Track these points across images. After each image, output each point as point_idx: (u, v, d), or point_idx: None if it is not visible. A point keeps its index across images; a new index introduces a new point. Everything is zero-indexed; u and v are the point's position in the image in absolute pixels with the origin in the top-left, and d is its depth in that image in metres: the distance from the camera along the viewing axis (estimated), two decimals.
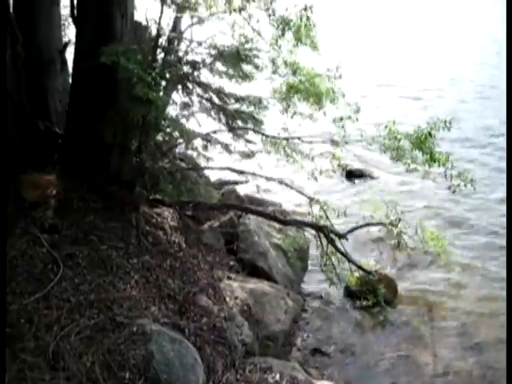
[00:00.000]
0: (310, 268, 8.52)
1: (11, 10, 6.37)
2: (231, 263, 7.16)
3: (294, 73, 9.78)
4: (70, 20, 7.42)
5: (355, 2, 45.12)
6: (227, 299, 6.01)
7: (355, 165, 12.02)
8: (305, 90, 8.89)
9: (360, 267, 7.60)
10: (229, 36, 9.85)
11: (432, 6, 47.52)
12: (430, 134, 7.16)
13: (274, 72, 9.88)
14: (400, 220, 7.74)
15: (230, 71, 6.40)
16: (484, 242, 9.81)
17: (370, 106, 15.39)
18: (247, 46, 8.37)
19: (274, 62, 9.70)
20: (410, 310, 7.94)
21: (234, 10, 9.56)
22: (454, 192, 7.14)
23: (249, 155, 7.15)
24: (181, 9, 6.68)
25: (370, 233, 8.99)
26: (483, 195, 11.48)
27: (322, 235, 7.25)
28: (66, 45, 7.58)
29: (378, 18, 39.79)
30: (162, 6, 6.21)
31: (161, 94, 6.10)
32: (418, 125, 7.32)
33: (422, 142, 7.07)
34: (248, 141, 6.82)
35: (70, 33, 8.76)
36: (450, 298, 8.16)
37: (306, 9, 8.45)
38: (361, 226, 7.82)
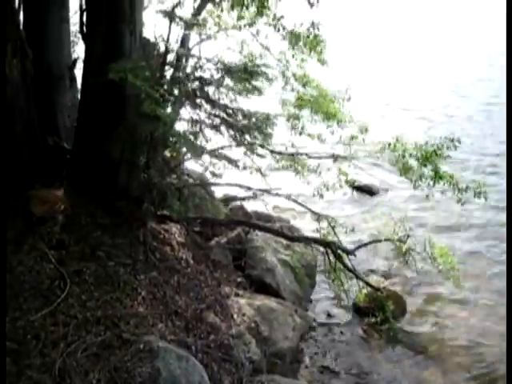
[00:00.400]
0: (317, 284, 8.46)
1: (21, 27, 6.43)
2: (239, 279, 7.12)
3: (304, 86, 9.85)
4: (79, 36, 7.51)
5: (360, 15, 45.51)
6: (235, 316, 5.97)
7: (363, 180, 11.99)
8: (314, 103, 8.95)
9: (368, 284, 7.55)
10: (237, 52, 9.97)
11: (439, 18, 47.75)
12: (435, 152, 7.18)
13: (284, 86, 9.97)
14: (408, 236, 7.71)
15: (239, 87, 6.42)
16: (496, 258, 9.70)
17: (377, 124, 15.44)
18: (255, 61, 8.46)
19: (283, 75, 9.78)
20: (419, 327, 7.86)
21: (244, 26, 9.67)
22: (462, 204, 7.11)
23: (257, 171, 7.15)
24: (189, 26, 6.72)
25: (378, 249, 8.93)
26: (494, 213, 11.39)
27: (329, 251, 7.22)
28: (75, 61, 7.64)
29: (385, 31, 40.01)
30: (171, 23, 6.24)
31: (169, 110, 6.13)
32: (426, 141, 7.33)
33: (428, 158, 7.08)
34: (258, 154, 6.82)
35: (78, 49, 8.86)
36: (460, 316, 8.07)
37: (313, 25, 8.51)
38: (369, 243, 7.80)
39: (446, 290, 8.54)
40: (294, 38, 9.19)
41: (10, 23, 5.85)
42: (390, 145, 7.23)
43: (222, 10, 8.98)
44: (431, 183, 7.18)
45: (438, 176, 7.01)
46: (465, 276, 8.42)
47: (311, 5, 8.45)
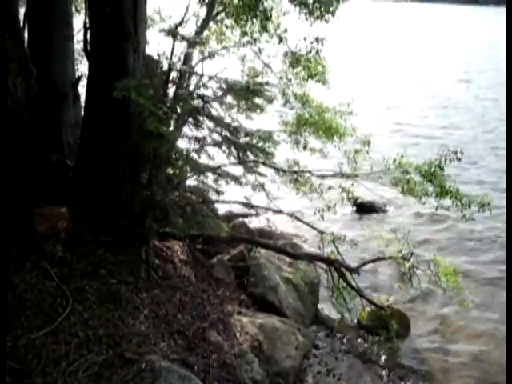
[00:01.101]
0: (320, 302, 8.40)
1: (25, 45, 6.48)
2: (241, 297, 7.08)
3: (303, 105, 9.92)
4: (83, 54, 7.56)
5: (359, 32, 45.98)
6: (237, 335, 5.93)
7: (366, 197, 11.97)
8: (315, 124, 9.00)
9: (371, 302, 7.51)
10: (239, 69, 10.04)
11: (438, 32, 48.23)
12: (439, 166, 7.18)
13: (285, 104, 10.03)
14: (412, 254, 7.67)
15: (241, 105, 6.45)
16: (500, 275, 9.65)
17: (378, 139, 15.50)
18: (257, 79, 8.51)
19: (284, 93, 9.85)
20: (423, 345, 7.80)
21: (247, 43, 9.75)
22: (466, 220, 7.08)
23: (259, 188, 7.14)
24: (191, 44, 6.76)
25: (381, 267, 8.90)
26: (498, 231, 11.35)
27: (333, 269, 7.19)
28: (78, 78, 7.67)
29: (385, 48, 40.41)
30: (174, 41, 6.27)
31: (171, 128, 6.14)
32: (429, 158, 7.34)
33: (433, 174, 7.08)
34: (259, 173, 6.82)
35: (82, 67, 8.92)
36: (464, 335, 8.01)
37: (317, 40, 8.57)
38: (372, 261, 7.76)
39: (451, 309, 8.49)
40: (294, 59, 9.29)
41: (15, 41, 5.89)
42: (394, 161, 7.22)
43: (226, 27, 9.05)
44: (437, 199, 7.16)
45: (443, 191, 6.99)
46: (470, 294, 8.36)
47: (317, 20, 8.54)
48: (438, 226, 11.59)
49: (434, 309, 8.62)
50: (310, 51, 9.03)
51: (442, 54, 42.32)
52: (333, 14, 8.97)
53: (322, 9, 8.76)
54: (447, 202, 7.34)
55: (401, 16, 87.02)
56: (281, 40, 9.44)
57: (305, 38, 9.05)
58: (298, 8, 9.07)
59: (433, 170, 6.99)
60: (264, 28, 8.80)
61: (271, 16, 8.94)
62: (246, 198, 8.01)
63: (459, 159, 7.15)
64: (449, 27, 68.86)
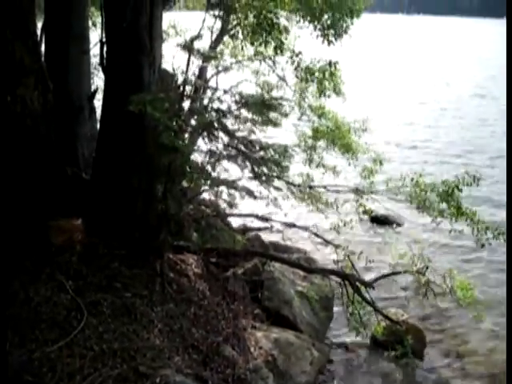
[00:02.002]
0: (335, 317, 8.33)
1: (43, 59, 6.54)
2: (256, 311, 7.04)
3: (320, 117, 9.96)
4: (98, 67, 7.63)
5: (372, 46, 46.02)
6: (252, 349, 5.89)
7: (380, 211, 11.89)
8: (331, 134, 9.02)
9: (387, 317, 7.43)
10: (253, 83, 10.09)
11: (452, 45, 48.09)
12: (457, 187, 7.14)
13: (301, 117, 10.07)
14: (427, 268, 7.60)
15: (256, 119, 6.45)
16: None
17: (392, 156, 15.47)
18: (272, 93, 8.53)
19: (299, 105, 9.90)
20: (439, 361, 7.70)
21: (262, 59, 9.81)
22: (482, 246, 7.03)
23: (274, 202, 7.11)
24: (207, 58, 6.80)
25: (396, 281, 8.81)
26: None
27: (347, 284, 7.13)
28: (94, 92, 7.74)
29: (399, 61, 40.39)
30: (190, 56, 6.31)
31: (186, 141, 6.16)
32: (446, 178, 7.31)
33: (450, 195, 7.05)
34: (274, 187, 6.80)
35: (97, 80, 9.01)
36: (481, 350, 7.89)
37: (330, 65, 8.63)
38: (388, 275, 7.70)
39: (467, 324, 8.37)
40: (309, 73, 9.34)
41: (32, 55, 5.95)
42: (412, 180, 7.20)
43: (242, 41, 9.10)
44: (452, 221, 7.12)
45: (459, 213, 6.96)
46: (486, 309, 8.26)
47: (329, 42, 8.61)
48: (454, 240, 11.47)
49: (449, 324, 8.51)
50: (325, 70, 9.10)
51: (456, 67, 42.24)
52: (346, 31, 9.03)
53: (336, 27, 8.83)
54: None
55: (414, 29, 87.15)
56: (295, 56, 9.50)
57: (318, 60, 9.15)
58: (311, 26, 9.14)
59: (450, 191, 6.96)
60: (279, 49, 8.86)
61: (286, 38, 9.02)
62: (260, 212, 7.98)
63: (477, 183, 7.12)
64: (463, 40, 68.84)
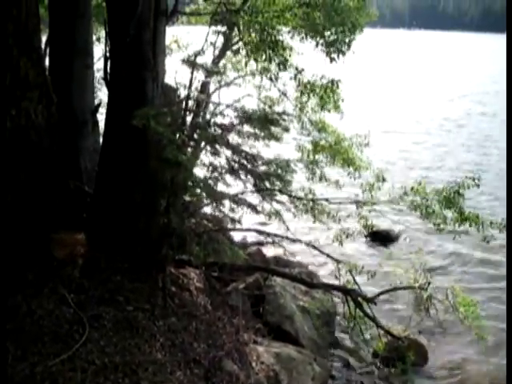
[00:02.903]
0: (336, 332, 8.30)
1: (47, 73, 6.60)
2: (257, 326, 7.01)
3: (320, 131, 10.02)
4: (101, 81, 7.68)
5: (375, 61, 46.16)
6: (253, 364, 5.86)
7: (382, 225, 11.89)
8: (331, 149, 9.07)
9: (388, 332, 7.40)
10: (255, 97, 10.16)
11: (455, 60, 48.12)
12: (458, 192, 7.16)
13: (301, 130, 10.13)
14: (429, 284, 7.59)
15: (258, 133, 6.48)
16: None
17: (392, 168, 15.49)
18: (274, 108, 8.59)
19: (300, 119, 9.96)
20: (440, 378, 7.65)
21: (263, 74, 9.89)
22: (488, 242, 7.02)
23: (276, 216, 7.13)
24: (210, 73, 6.86)
25: (399, 296, 8.79)
26: None
27: (349, 299, 7.12)
28: (97, 106, 7.79)
29: (401, 76, 40.50)
30: (193, 71, 6.36)
31: (189, 156, 6.19)
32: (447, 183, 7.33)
33: (451, 200, 7.06)
34: (277, 201, 6.82)
35: (100, 94, 9.07)
36: (484, 367, 7.85)
37: (332, 83, 8.70)
38: (389, 290, 7.69)
39: (469, 340, 8.33)
40: (310, 88, 9.42)
41: (37, 69, 6.00)
42: (412, 189, 7.22)
43: (245, 56, 9.18)
44: (456, 226, 7.13)
45: (462, 218, 6.96)
46: (488, 326, 8.22)
47: (331, 59, 8.70)
48: (454, 255, 11.47)
49: (451, 340, 8.48)
50: (326, 87, 9.18)
51: (458, 82, 42.38)
52: (349, 46, 9.11)
53: (338, 44, 8.91)
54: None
55: (415, 44, 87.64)
56: (298, 73, 9.58)
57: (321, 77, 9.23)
58: (314, 42, 9.23)
59: (452, 195, 6.97)
60: (283, 65, 8.95)
61: (290, 55, 9.11)
62: (261, 226, 8.00)
63: (478, 185, 7.14)
64: (464, 55, 69.20)
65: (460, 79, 44.61)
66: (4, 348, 4.21)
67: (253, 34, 8.86)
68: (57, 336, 4.96)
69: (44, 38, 7.38)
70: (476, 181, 7.20)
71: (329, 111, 10.05)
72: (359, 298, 7.10)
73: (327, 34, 9.00)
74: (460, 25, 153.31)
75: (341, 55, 9.19)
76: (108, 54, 6.69)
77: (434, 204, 7.15)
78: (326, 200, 7.81)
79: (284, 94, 10.44)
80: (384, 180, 8.63)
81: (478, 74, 47.00)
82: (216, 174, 6.30)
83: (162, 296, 5.97)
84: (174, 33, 10.82)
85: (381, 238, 12.27)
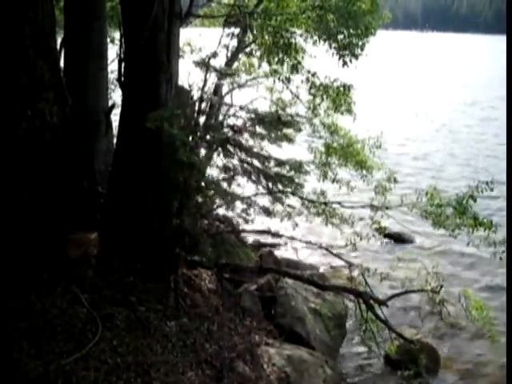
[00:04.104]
0: (348, 334, 8.28)
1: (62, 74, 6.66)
2: (269, 328, 7.01)
3: (332, 133, 10.03)
4: (115, 83, 7.72)
5: (389, 64, 45.95)
6: (265, 366, 5.86)
7: (394, 228, 11.84)
8: (343, 151, 9.07)
9: (400, 335, 7.36)
10: (268, 99, 10.18)
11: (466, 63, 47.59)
12: (472, 197, 7.12)
13: (313, 133, 10.14)
14: (442, 287, 7.55)
15: (271, 135, 6.49)
16: None
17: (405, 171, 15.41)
18: (287, 110, 8.60)
19: (311, 122, 9.98)
20: (453, 381, 7.60)
21: (274, 74, 9.91)
22: (500, 259, 6.99)
23: (288, 218, 7.14)
24: (222, 75, 6.88)
25: (410, 299, 8.75)
26: None
27: (361, 301, 7.10)
28: (111, 107, 7.85)
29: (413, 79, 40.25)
30: (206, 73, 6.39)
31: (202, 157, 6.22)
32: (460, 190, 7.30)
33: (465, 206, 7.02)
34: (288, 205, 6.82)
35: (115, 96, 9.13)
36: (496, 371, 7.78)
37: (344, 87, 8.70)
38: (401, 293, 7.64)
39: (482, 344, 8.28)
40: (323, 91, 9.43)
41: (52, 71, 6.06)
42: (426, 194, 7.19)
43: (258, 59, 9.20)
44: (469, 233, 7.09)
45: (477, 224, 6.93)
46: (501, 330, 8.17)
47: (345, 63, 8.71)
48: (467, 257, 11.40)
49: (464, 343, 8.42)
50: (339, 90, 9.19)
51: (471, 86, 42.07)
52: (362, 49, 9.10)
53: (352, 47, 8.91)
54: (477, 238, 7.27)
55: (427, 46, 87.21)
56: (311, 76, 9.60)
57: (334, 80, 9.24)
58: (327, 44, 9.24)
59: (465, 201, 6.94)
60: (296, 68, 8.97)
61: (303, 58, 9.13)
62: (273, 227, 8.01)
63: (492, 189, 7.10)
64: (476, 57, 68.76)
65: (473, 83, 44.25)
66: (11, 347, 4.25)
67: (266, 37, 8.87)
68: (70, 335, 5.01)
69: (59, 40, 7.44)
70: (490, 184, 7.16)
71: (342, 113, 10.06)
72: (371, 301, 7.08)
73: (340, 37, 9.00)
74: (473, 26, 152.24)
75: (353, 59, 9.17)
76: (122, 56, 6.73)
77: (447, 210, 7.11)
78: (339, 203, 7.80)
79: (296, 96, 10.45)
80: (396, 181, 8.61)
81: (490, 78, 46.59)
82: (229, 176, 6.33)
83: (174, 297, 6.00)
84: (187, 35, 10.86)
85: (393, 241, 12.23)
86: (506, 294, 7.30)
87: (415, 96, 35.63)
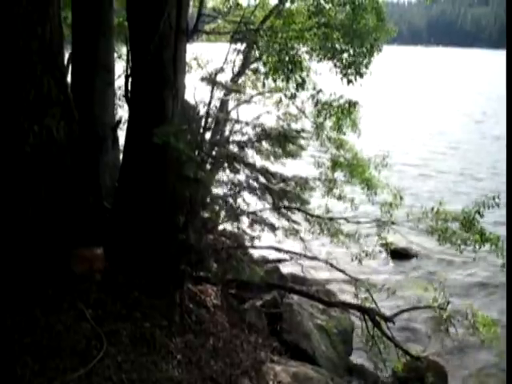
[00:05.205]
0: (354, 351, 8.21)
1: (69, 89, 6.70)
2: (274, 344, 6.96)
3: (338, 148, 10.05)
4: (122, 98, 7.76)
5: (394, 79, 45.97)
6: (270, 383, 5.81)
7: (400, 244, 11.79)
8: (349, 166, 9.07)
9: (407, 352, 7.30)
10: (274, 114, 10.22)
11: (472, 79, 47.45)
12: (478, 212, 7.09)
13: (319, 148, 10.16)
14: (449, 303, 7.49)
15: (276, 151, 6.50)
16: None
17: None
18: (292, 125, 8.62)
19: (318, 136, 10.00)
20: None
21: (280, 90, 9.95)
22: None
23: (294, 234, 7.12)
24: (229, 91, 6.91)
25: (417, 315, 8.69)
26: None
27: (367, 318, 7.05)
28: (118, 122, 7.88)
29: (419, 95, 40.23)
30: (213, 89, 6.41)
31: (208, 173, 6.23)
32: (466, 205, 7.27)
33: (471, 222, 6.99)
34: (294, 221, 6.81)
35: (121, 111, 9.18)
36: None
37: (349, 104, 8.73)
38: (408, 309, 7.60)
39: (490, 361, 8.20)
40: (328, 109, 9.47)
41: (59, 87, 6.10)
42: (432, 209, 7.16)
43: (264, 76, 9.25)
44: (476, 248, 7.05)
45: (483, 239, 6.89)
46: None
47: (349, 81, 8.75)
48: (473, 273, 11.32)
49: (471, 360, 8.34)
50: (344, 109, 9.23)
51: (477, 103, 41.97)
52: (367, 68, 9.14)
53: (357, 65, 8.96)
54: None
55: (432, 61, 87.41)
56: (316, 93, 9.64)
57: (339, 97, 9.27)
58: (331, 63, 9.29)
59: (472, 217, 6.91)
60: (301, 86, 9.01)
61: (308, 76, 9.16)
62: (279, 243, 7.98)
63: (498, 205, 7.07)
64: (482, 73, 68.84)
65: (479, 98, 44.24)
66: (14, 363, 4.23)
67: (272, 54, 8.93)
68: (74, 351, 4.97)
69: (66, 55, 7.50)
70: (497, 200, 7.13)
71: (344, 134, 10.11)
72: (377, 317, 7.03)
73: (345, 55, 9.05)
74: (478, 41, 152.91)
75: (359, 77, 9.21)
76: (129, 72, 6.77)
77: (453, 225, 7.09)
78: (345, 219, 7.78)
79: (302, 111, 10.48)
80: (401, 198, 8.61)
81: (496, 93, 46.60)
82: (234, 191, 6.33)
83: (179, 312, 5.97)
84: (193, 50, 10.93)
85: (399, 256, 12.16)
86: (506, 293, 7.22)
87: (423, 112, 35.63)
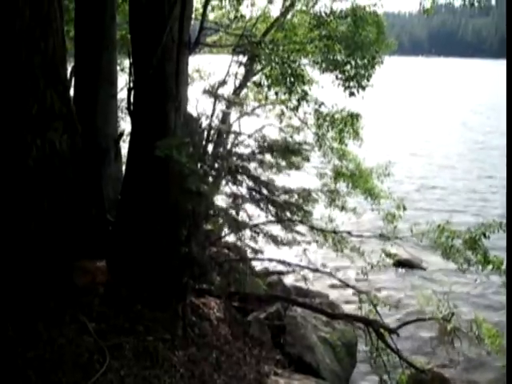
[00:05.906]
0: (358, 364, 8.15)
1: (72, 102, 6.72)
2: (278, 357, 6.91)
3: (340, 158, 10.06)
4: (125, 110, 7.78)
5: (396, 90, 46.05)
6: None
7: (403, 255, 11.74)
8: (352, 176, 9.08)
9: (412, 364, 7.24)
10: (276, 126, 10.25)
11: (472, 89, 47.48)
12: (484, 234, 7.09)
13: (322, 160, 10.17)
14: (453, 314, 7.46)
15: (279, 163, 6.50)
16: None
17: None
18: (295, 137, 8.63)
19: (320, 147, 10.02)
20: None
21: (282, 103, 9.98)
22: None
23: (297, 246, 7.09)
24: (231, 103, 6.93)
25: (422, 327, 8.63)
26: None
27: (371, 330, 7.01)
28: (120, 135, 7.90)
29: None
30: (215, 102, 6.43)
31: (210, 185, 6.23)
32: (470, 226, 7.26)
33: (476, 242, 6.99)
34: (297, 232, 6.79)
35: (124, 123, 9.21)
36: None
37: (351, 116, 8.76)
38: (412, 321, 7.56)
39: (496, 373, 8.12)
40: (330, 121, 9.50)
41: (62, 100, 6.12)
42: (439, 226, 7.16)
43: (266, 88, 9.29)
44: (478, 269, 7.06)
45: (486, 261, 6.90)
46: None
47: (351, 94, 8.79)
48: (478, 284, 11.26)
49: (477, 372, 8.26)
50: (346, 121, 9.26)
51: (483, 115, 41.91)
52: (368, 80, 9.17)
53: (358, 78, 8.99)
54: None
55: (433, 72, 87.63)
56: (318, 106, 9.68)
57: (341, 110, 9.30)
58: (333, 75, 9.33)
59: (477, 237, 6.92)
60: (303, 99, 9.04)
61: (310, 89, 9.20)
62: (283, 255, 7.96)
63: (504, 231, 7.06)
64: (482, 84, 68.96)
65: (482, 110, 44.21)
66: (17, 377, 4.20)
67: (273, 66, 8.96)
68: (77, 365, 4.95)
69: (69, 67, 7.53)
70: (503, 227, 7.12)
71: (346, 145, 10.13)
72: (381, 329, 6.99)
73: (347, 68, 9.09)
74: (479, 52, 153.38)
75: (360, 89, 9.24)
76: (132, 85, 6.80)
77: (458, 243, 7.09)
78: (348, 233, 7.77)
79: (305, 122, 10.50)
80: (405, 209, 8.60)
81: (499, 104, 46.63)
82: (237, 204, 6.32)
83: (182, 326, 5.95)
84: (195, 62, 10.97)
85: (404, 267, 12.11)
86: (506, 293, 7.18)
87: (423, 122, 35.64)
